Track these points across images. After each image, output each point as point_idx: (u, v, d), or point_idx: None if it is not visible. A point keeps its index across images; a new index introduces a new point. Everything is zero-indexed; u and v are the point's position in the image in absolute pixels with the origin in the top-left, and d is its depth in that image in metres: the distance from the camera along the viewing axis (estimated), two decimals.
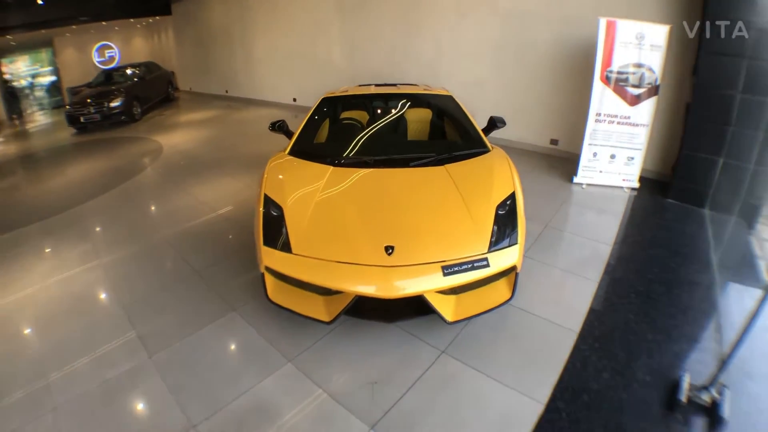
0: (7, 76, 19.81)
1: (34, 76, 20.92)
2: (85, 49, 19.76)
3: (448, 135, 4.44)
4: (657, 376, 2.60)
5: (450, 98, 4.61)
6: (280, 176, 3.48)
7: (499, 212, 2.95)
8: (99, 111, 11.88)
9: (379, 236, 2.80)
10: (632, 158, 5.39)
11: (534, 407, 2.40)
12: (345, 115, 4.79)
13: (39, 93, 21.09)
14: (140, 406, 2.67)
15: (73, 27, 17.68)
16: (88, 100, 12.11)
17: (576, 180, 5.57)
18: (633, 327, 3.05)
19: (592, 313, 3.18)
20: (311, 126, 4.35)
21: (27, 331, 3.53)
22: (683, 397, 2.33)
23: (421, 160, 3.52)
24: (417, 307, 2.71)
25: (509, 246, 2.82)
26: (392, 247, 2.71)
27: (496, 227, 2.86)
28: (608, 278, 3.61)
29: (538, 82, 6.60)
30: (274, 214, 3.06)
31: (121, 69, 14.30)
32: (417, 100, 4.82)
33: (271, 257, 2.88)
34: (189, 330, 3.24)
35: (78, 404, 2.68)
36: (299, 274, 2.76)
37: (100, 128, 12.01)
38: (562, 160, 6.39)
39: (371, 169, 3.47)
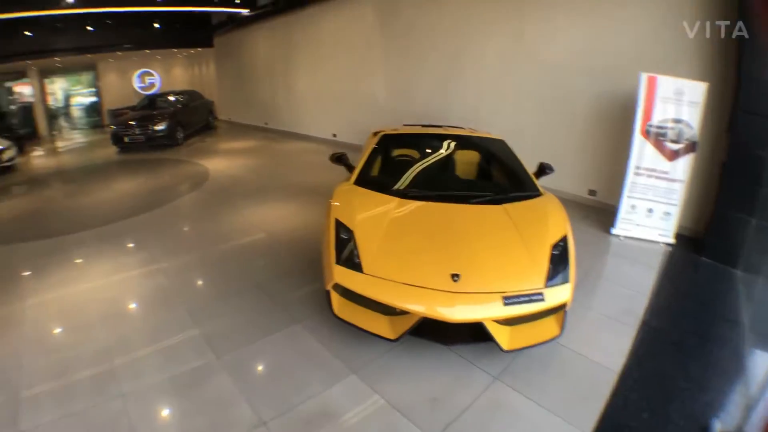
0: (49, 96, 21.08)
1: (75, 97, 22.30)
2: (126, 75, 21.05)
3: (501, 177, 4.71)
4: (690, 420, 2.74)
5: (502, 142, 4.92)
6: (349, 203, 3.78)
7: (554, 252, 3.19)
8: (144, 133, 12.68)
9: (445, 264, 3.06)
10: (669, 213, 5.52)
11: None
12: (403, 151, 5.14)
13: (79, 113, 22.36)
14: (211, 401, 2.89)
15: (118, 53, 18.96)
16: (133, 122, 12.94)
17: (614, 231, 5.73)
18: (669, 373, 3.21)
19: (631, 356, 3.33)
20: (372, 159, 4.68)
21: (93, 320, 3.95)
22: None
23: (481, 198, 3.81)
24: (474, 334, 2.96)
25: (562, 284, 3.05)
26: (458, 275, 2.96)
27: (551, 266, 3.10)
28: (645, 326, 3.75)
29: (576, 132, 6.88)
30: (345, 237, 3.35)
31: (165, 95, 15.16)
32: (471, 142, 5.15)
33: (343, 275, 3.15)
34: (255, 337, 3.54)
35: (148, 394, 2.98)
36: (370, 293, 3.02)
37: (143, 149, 12.70)
38: (600, 211, 6.55)
39: (434, 203, 3.76)
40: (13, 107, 19.83)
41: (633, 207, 5.67)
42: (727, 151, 5.02)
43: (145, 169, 10.66)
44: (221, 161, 10.77)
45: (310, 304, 3.98)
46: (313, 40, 12.37)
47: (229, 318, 3.86)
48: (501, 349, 2.92)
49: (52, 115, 21.23)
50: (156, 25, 17.28)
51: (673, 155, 5.41)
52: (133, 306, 4.24)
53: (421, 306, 2.89)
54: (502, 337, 2.94)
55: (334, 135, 12.30)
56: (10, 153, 11.60)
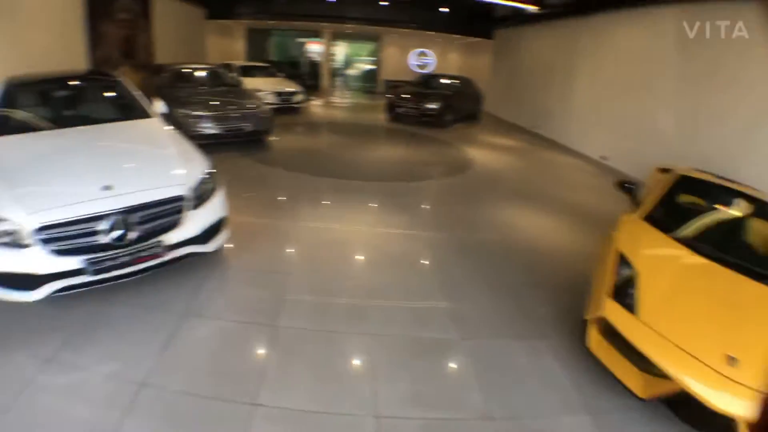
0: (335, 57, 24.88)
1: (357, 63, 25.89)
2: (405, 51, 23.19)
3: None
4: None
5: None
6: (638, 240, 3.64)
7: None
8: (416, 108, 13.76)
9: (721, 338, 2.75)
10: None
11: None
12: (700, 200, 4.55)
13: (358, 77, 25.86)
14: (446, 375, 3.19)
15: (403, 30, 20.76)
16: (408, 96, 14.25)
17: None
18: None
19: None
20: (666, 198, 4.32)
21: (358, 259, 4.93)
22: None
23: None
24: (728, 425, 2.55)
25: None
26: (735, 359, 2.60)
27: None
28: None
29: None
30: (624, 273, 3.24)
31: (440, 77, 16.22)
32: None
33: (613, 311, 3.01)
34: (498, 334, 3.71)
35: (390, 342, 3.41)
36: (637, 341, 2.82)
37: (411, 123, 13.74)
38: None
39: (726, 269, 3.30)
40: (304, 61, 24.21)
41: None
42: None
43: (413, 141, 11.82)
44: (484, 153, 10.96)
45: (556, 325, 3.88)
46: (600, 50, 11.51)
47: (476, 305, 4.05)
48: None
49: (335, 74, 25.10)
50: (443, 10, 18.22)
51: None
52: (393, 259, 4.79)
53: (686, 379, 2.60)
54: None
55: (603, 157, 10.91)
56: (300, 97, 14.05)
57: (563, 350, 3.52)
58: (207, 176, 3.91)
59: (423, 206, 6.69)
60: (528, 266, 5.02)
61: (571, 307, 3.94)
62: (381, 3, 17.91)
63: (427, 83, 15.56)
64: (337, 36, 23.44)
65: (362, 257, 4.95)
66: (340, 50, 25.20)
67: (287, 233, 5.19)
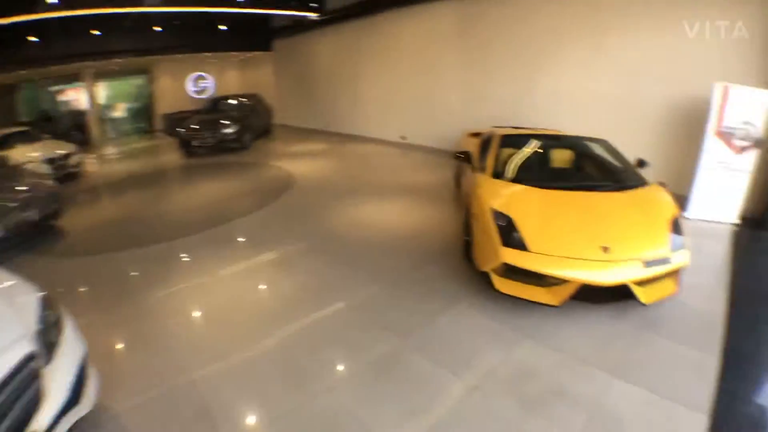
0: (100, 101, 21.10)
1: (126, 101, 22.40)
2: (180, 78, 21.24)
3: (611, 170, 5.37)
4: None
5: (606, 142, 5.68)
6: (498, 193, 4.51)
7: (671, 225, 4.00)
8: (213, 136, 12.83)
9: (594, 238, 3.79)
10: (734, 198, 6.41)
11: (713, 360, 3.40)
12: (519, 149, 5.69)
13: (130, 117, 22.50)
14: (411, 377, 3.30)
15: (177, 56, 18.84)
16: (199, 126, 13.08)
17: (687, 215, 6.60)
18: (765, 318, 4.16)
19: (730, 305, 4.22)
20: (499, 156, 5.41)
21: (261, 290, 4.78)
22: None
23: (605, 187, 4.66)
24: (618, 294, 3.69)
25: (681, 250, 3.87)
26: (607, 247, 3.69)
27: (671, 236, 3.90)
28: (733, 285, 4.64)
29: (648, 132, 7.71)
30: (502, 223, 4.00)
31: (227, 98, 15.46)
32: (582, 142, 5.95)
33: (510, 255, 3.80)
34: (427, 319, 3.99)
35: (355, 382, 3.28)
36: (539, 267, 3.68)
37: (211, 154, 12.82)
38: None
39: (569, 191, 4.51)
40: (62, 112, 20.01)
41: (704, 194, 6.55)
42: None
43: (225, 172, 10.99)
44: (298, 163, 11.13)
45: (459, 287, 4.49)
46: (383, 46, 12.87)
47: (393, 306, 4.24)
48: (641, 303, 3.69)
49: (104, 120, 21.16)
50: (222, 27, 17.28)
51: (740, 150, 6.24)
52: (297, 300, 4.49)
53: (582, 275, 3.59)
54: (641, 294, 3.68)
55: (403, 137, 12.83)
56: (76, 158, 11.31)
57: (480, 304, 4.19)
58: (44, 305, 2.68)
59: (278, 233, 6.34)
60: (408, 252, 5.47)
61: (463, 269, 4.71)
62: (155, 29, 16.11)
63: (216, 108, 14.82)
64: (101, 75, 20.08)
65: (251, 314, 4.32)
66: (106, 92, 21.34)
67: (139, 339, 3.99)
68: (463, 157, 5.74)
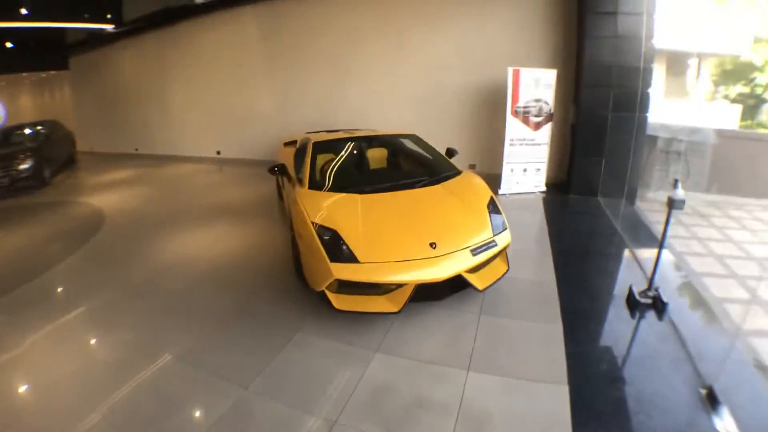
0: None
1: None
2: None
3: (426, 164, 5.43)
4: (615, 292, 4.20)
5: (416, 136, 5.78)
6: (318, 206, 4.16)
7: (489, 209, 4.16)
8: (6, 175, 10.65)
9: (421, 237, 3.74)
10: (539, 169, 7.09)
11: (557, 328, 3.61)
12: (333, 155, 5.61)
13: None
14: (265, 429, 2.83)
15: None
16: None
17: (501, 191, 7.13)
18: (589, 273, 4.67)
19: (557, 268, 4.61)
20: (314, 165, 5.11)
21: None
22: (637, 297, 3.83)
23: (423, 182, 4.67)
24: (455, 285, 3.72)
25: (503, 230, 4.04)
26: (434, 243, 3.66)
27: (491, 219, 4.05)
28: (555, 250, 5.08)
29: (454, 119, 8.21)
30: (328, 237, 3.73)
31: (20, 128, 13.00)
32: (392, 140, 6.02)
33: (341, 270, 3.54)
34: (267, 357, 3.50)
35: None
36: (373, 277, 3.51)
37: (5, 195, 10.59)
38: (483, 179, 7.89)
39: (389, 193, 4.45)
40: None
41: (512, 170, 7.10)
42: (576, 116, 6.56)
43: (23, 218, 8.74)
44: (108, 196, 9.65)
45: (295, 312, 4.10)
46: (189, 56, 12.00)
47: (227, 349, 3.72)
48: (478, 290, 3.77)
49: None
50: (8, 45, 15.00)
51: (537, 126, 6.85)
52: (120, 360, 3.69)
53: (415, 275, 3.51)
54: (476, 281, 3.75)
55: (218, 152, 12.19)
56: None
57: (320, 328, 3.84)
58: None
59: (75, 291, 5.11)
60: (236, 280, 4.94)
61: (297, 290, 4.33)
62: None
63: (6, 140, 12.20)
64: None
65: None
66: None
67: None
68: (278, 170, 5.27)
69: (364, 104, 9.27)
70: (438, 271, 3.58)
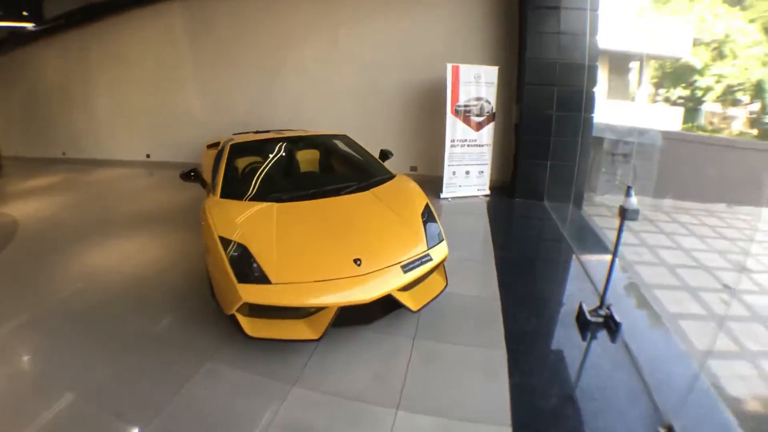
0: None
1: None
2: None
3: (357, 167, 4.98)
4: (563, 309, 3.79)
5: (347, 137, 5.33)
6: (227, 218, 3.61)
7: (423, 219, 3.74)
8: None
9: (345, 252, 3.23)
10: (482, 172, 6.79)
11: (501, 354, 3.19)
12: (255, 159, 5.15)
13: None
14: None
15: None
16: None
17: (443, 195, 6.79)
18: (536, 286, 4.28)
19: (501, 281, 4.22)
20: (229, 170, 4.57)
21: None
22: (588, 317, 3.44)
23: (350, 188, 4.17)
24: (385, 306, 3.24)
25: (439, 242, 3.62)
26: (359, 259, 3.17)
27: (425, 230, 3.63)
28: (498, 260, 4.69)
29: (394, 119, 7.84)
30: (236, 254, 3.21)
31: None
32: (320, 141, 5.52)
33: (250, 293, 3.01)
34: (171, 393, 2.97)
35: None
36: (286, 301, 3.01)
37: None
38: (424, 182, 7.34)
39: (310, 201, 3.91)
40: None
41: (454, 173, 6.78)
42: (519, 115, 6.32)
43: None
44: (26, 205, 8.97)
45: (209, 337, 3.57)
46: (115, 56, 11.33)
47: (132, 381, 3.16)
48: (411, 311, 3.26)
49: None
50: None
51: (479, 126, 6.56)
52: (15, 400, 3.13)
53: (336, 297, 3.02)
54: (408, 301, 3.26)
55: (148, 155, 11.57)
56: None
57: (232, 356, 3.31)
58: None
59: None
60: (145, 300, 4.38)
61: (212, 312, 3.68)
62: None
63: None
64: None
65: None
66: None
67: None
68: (194, 175, 4.68)
69: (299, 105, 8.80)
70: (364, 292, 3.08)
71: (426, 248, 3.48)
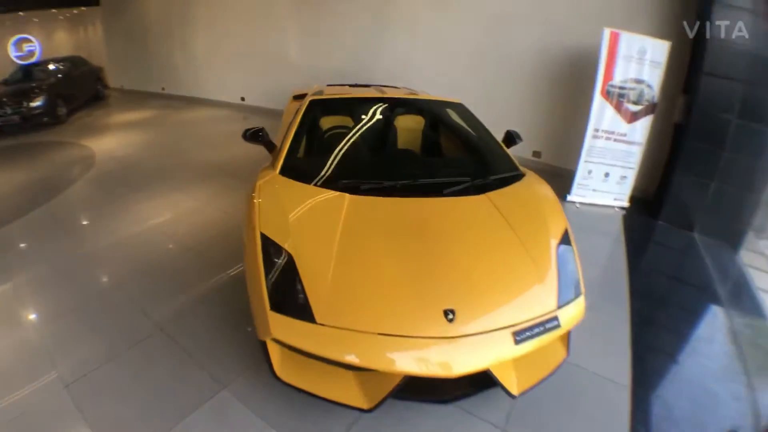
0: None
1: None
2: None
3: (471, 154, 3.64)
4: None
5: (463, 106, 3.92)
6: (279, 206, 2.55)
7: (559, 254, 2.40)
8: (17, 112, 10.40)
9: (434, 296, 2.11)
10: (625, 177, 5.20)
11: None
12: (338, 122, 3.97)
13: None
14: None
15: None
16: (4, 99, 10.56)
17: (570, 198, 5.29)
18: (682, 374, 2.83)
19: (636, 361, 2.80)
20: (299, 135, 3.39)
21: None
22: None
23: (461, 187, 2.83)
24: (474, 382, 2.12)
25: (576, 298, 2.28)
26: (453, 311, 2.05)
27: (559, 275, 2.30)
28: (637, 315, 3.27)
29: (523, 89, 6.35)
30: (278, 261, 2.23)
31: (42, 64, 12.85)
32: (426, 109, 4.16)
33: (284, 329, 2.04)
34: (166, 424, 2.28)
35: None
36: (329, 353, 1.98)
37: (20, 132, 10.45)
38: (545, 174, 6.08)
39: (399, 198, 2.69)
40: None
41: (590, 172, 5.27)
42: (684, 113, 4.68)
43: (17, 158, 8.38)
44: (112, 139, 9.15)
45: (237, 350, 2.76)
46: None
47: (125, 395, 2.47)
48: (511, 396, 2.12)
49: None
50: None
51: (633, 117, 5.00)
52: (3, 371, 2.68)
53: (410, 363, 1.95)
54: (508, 378, 2.14)
55: (243, 99, 11.24)
56: None
57: (253, 392, 2.48)
58: None
59: (28, 260, 4.12)
60: (180, 281, 3.61)
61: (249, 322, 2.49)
62: None
63: (27, 76, 12.05)
64: None
65: None
66: None
67: None
68: (261, 136, 3.55)
69: (408, 58, 7.55)
70: (451, 362, 1.95)
71: (555, 306, 2.19)
